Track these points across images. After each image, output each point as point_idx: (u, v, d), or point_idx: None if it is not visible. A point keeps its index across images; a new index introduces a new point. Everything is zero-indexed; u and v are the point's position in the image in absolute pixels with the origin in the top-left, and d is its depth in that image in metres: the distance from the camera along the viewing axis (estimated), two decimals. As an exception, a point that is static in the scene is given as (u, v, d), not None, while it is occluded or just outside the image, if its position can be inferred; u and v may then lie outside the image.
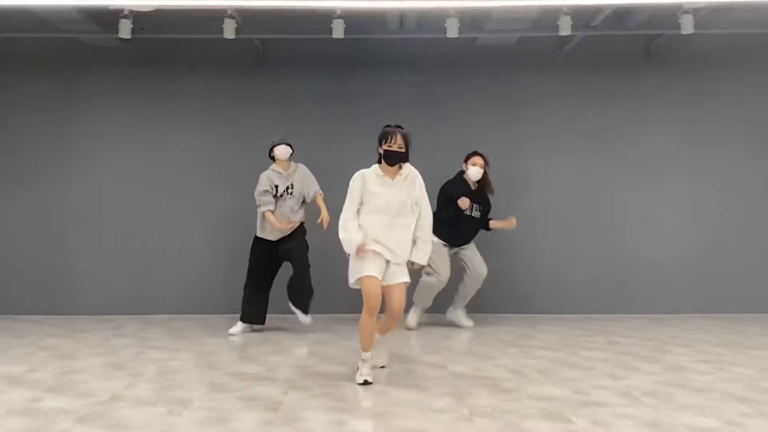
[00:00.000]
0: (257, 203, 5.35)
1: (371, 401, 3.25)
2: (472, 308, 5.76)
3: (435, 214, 5.18)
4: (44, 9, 5.47)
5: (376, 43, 6.32)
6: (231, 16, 5.50)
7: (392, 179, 3.78)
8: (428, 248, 3.89)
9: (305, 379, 3.71)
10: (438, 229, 5.12)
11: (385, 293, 3.72)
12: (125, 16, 5.50)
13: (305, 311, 5.31)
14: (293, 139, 5.45)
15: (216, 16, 5.49)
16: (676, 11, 5.53)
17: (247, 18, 5.65)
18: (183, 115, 6.48)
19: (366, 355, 3.70)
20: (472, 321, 5.66)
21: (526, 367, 4.03)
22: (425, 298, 5.60)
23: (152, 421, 2.92)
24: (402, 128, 3.86)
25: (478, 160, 5.52)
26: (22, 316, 6.11)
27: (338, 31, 5.53)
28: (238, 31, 5.59)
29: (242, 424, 2.86)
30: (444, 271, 5.50)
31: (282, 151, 5.34)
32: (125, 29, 5.52)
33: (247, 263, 5.42)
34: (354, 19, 5.56)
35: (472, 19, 5.69)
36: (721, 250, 6.34)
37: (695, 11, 5.50)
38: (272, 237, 5.35)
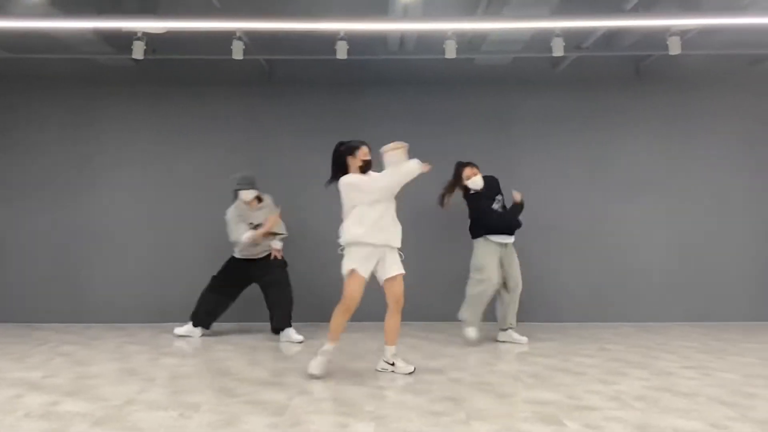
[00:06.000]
0: (233, 240, 5.54)
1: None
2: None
3: (477, 219, 5.41)
4: (62, 31, 5.75)
5: (377, 64, 6.55)
6: (239, 38, 5.77)
7: None
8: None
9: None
10: (487, 226, 5.32)
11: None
12: (139, 38, 5.77)
13: (289, 324, 5.54)
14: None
15: (225, 38, 5.76)
16: (664, 33, 5.78)
17: (254, 39, 5.90)
18: (192, 131, 6.76)
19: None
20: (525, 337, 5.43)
21: (521, 372, 4.22)
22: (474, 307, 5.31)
23: None
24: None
25: (469, 171, 5.47)
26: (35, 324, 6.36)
27: (342, 52, 5.78)
28: (245, 52, 5.84)
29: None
30: (493, 274, 5.27)
31: (246, 195, 5.59)
32: (138, 50, 5.78)
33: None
34: (357, 41, 5.81)
35: (469, 41, 5.94)
36: (703, 260, 6.57)
37: (682, 33, 5.76)
38: (248, 254, 5.56)
